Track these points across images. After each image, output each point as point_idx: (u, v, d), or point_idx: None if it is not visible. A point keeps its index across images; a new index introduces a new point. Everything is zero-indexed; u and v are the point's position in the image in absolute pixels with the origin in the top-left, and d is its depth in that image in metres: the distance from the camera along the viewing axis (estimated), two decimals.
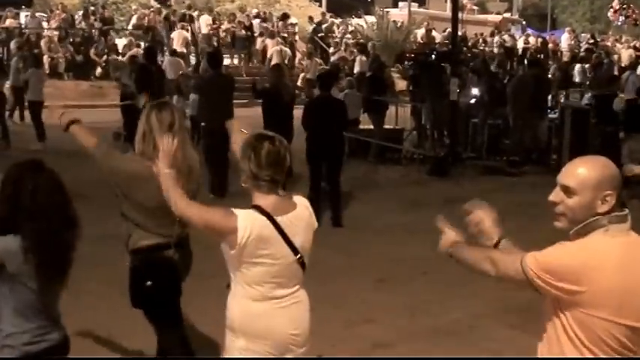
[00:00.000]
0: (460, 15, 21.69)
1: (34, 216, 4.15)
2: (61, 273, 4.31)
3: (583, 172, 3.38)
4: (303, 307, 4.44)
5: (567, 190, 3.39)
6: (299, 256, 4.28)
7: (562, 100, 18.76)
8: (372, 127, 18.08)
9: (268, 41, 31.74)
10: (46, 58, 27.01)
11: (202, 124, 13.49)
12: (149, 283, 5.36)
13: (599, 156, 3.52)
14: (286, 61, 29.85)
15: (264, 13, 36.04)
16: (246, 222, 4.11)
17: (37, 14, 32.09)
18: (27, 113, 20.16)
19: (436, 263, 10.17)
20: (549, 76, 23.10)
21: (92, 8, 33.19)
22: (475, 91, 18.16)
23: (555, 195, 3.44)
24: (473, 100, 18.09)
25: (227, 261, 4.25)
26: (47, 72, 26.28)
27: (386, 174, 16.08)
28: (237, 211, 4.17)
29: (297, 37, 33.73)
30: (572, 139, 15.77)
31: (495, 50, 34.92)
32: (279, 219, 4.21)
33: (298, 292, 4.39)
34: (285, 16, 35.78)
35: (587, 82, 22.87)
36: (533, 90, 16.80)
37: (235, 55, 32.09)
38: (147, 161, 5.15)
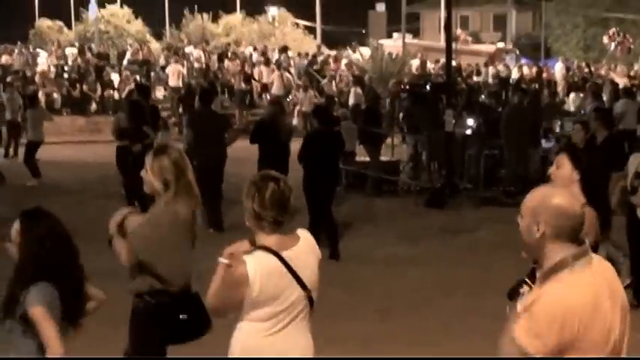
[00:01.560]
0: (454, 45, 21.79)
1: (59, 266, 4.50)
2: (81, 312, 4.67)
3: (527, 197, 3.66)
4: (308, 344, 4.45)
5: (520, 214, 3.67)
6: (306, 290, 4.31)
7: (557, 130, 18.76)
8: (368, 159, 18.08)
9: (263, 68, 31.87)
10: (41, 95, 27.06)
11: (193, 161, 13.42)
12: (184, 315, 5.50)
13: (554, 188, 3.84)
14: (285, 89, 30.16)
15: (265, 47, 36.28)
16: (256, 266, 4.17)
17: (34, 50, 32.28)
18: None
19: (436, 295, 10.20)
20: (543, 105, 23.10)
21: (88, 44, 33.35)
22: (470, 122, 18.18)
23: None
24: (468, 131, 18.10)
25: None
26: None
27: (383, 206, 16.06)
28: (244, 257, 4.22)
29: (292, 70, 33.85)
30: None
31: (490, 80, 35.01)
32: (285, 254, 4.25)
33: (305, 328, 4.41)
34: (284, 49, 36.02)
35: (582, 112, 22.86)
36: (526, 119, 16.83)
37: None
38: (170, 207, 5.40)
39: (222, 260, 4.30)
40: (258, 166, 12.48)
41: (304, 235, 4.46)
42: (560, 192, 3.69)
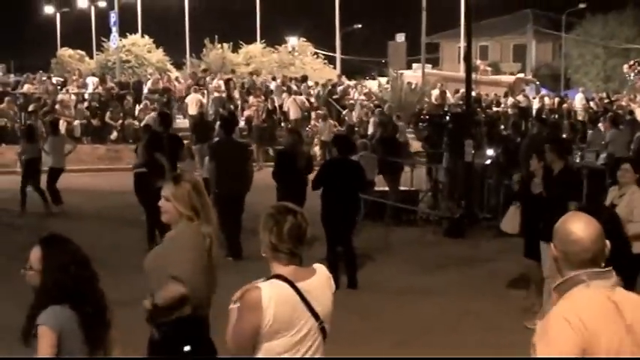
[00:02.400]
0: (474, 76, 21.80)
1: (81, 291, 4.51)
2: (104, 337, 4.62)
3: None
4: None
5: None
6: (320, 322, 4.32)
7: (577, 161, 18.69)
8: (387, 188, 18.06)
9: (285, 96, 32.07)
10: (62, 123, 27.26)
11: (215, 190, 13.43)
12: (187, 348, 5.40)
13: (579, 213, 3.80)
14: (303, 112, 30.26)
15: (285, 77, 36.46)
16: (271, 293, 4.19)
17: (55, 79, 32.53)
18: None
19: (453, 326, 10.14)
20: (564, 136, 23.05)
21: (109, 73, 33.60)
22: (490, 152, 18.14)
23: None
24: (488, 161, 18.06)
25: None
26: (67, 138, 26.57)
27: (402, 235, 16.01)
28: (259, 284, 4.25)
29: (312, 99, 33.96)
30: (588, 199, 15.70)
31: (509, 111, 34.98)
32: (299, 285, 4.27)
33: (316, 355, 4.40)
34: (304, 78, 36.20)
35: (603, 142, 22.77)
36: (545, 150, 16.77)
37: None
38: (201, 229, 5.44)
39: (234, 305, 4.32)
40: (277, 195, 12.49)
41: (320, 270, 4.49)
42: (578, 217, 3.69)
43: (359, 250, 12.41)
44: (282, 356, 4.25)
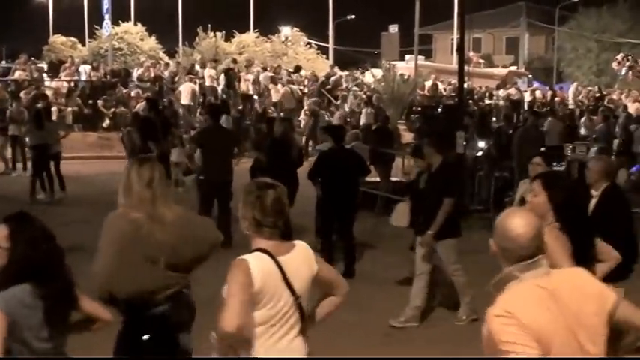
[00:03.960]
0: (466, 68, 21.81)
1: (49, 267, 4.44)
2: (67, 313, 4.57)
3: None
4: (298, 354, 4.44)
5: None
6: (296, 297, 4.35)
7: (568, 154, 18.72)
8: (378, 179, 18.06)
9: (271, 86, 32.03)
10: (54, 110, 27.20)
11: (200, 176, 13.39)
12: (146, 337, 5.37)
13: (518, 209, 4.08)
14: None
15: (279, 67, 36.41)
16: (256, 264, 4.25)
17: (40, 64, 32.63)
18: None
19: (444, 317, 10.15)
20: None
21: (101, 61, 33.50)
22: (481, 144, 18.18)
23: None
24: (479, 153, 18.09)
25: None
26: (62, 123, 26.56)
27: (392, 226, 16.00)
28: (244, 256, 4.30)
29: (305, 89, 33.95)
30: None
31: (502, 103, 35.03)
32: (280, 259, 4.33)
33: (294, 339, 4.41)
34: (297, 69, 36.19)
35: (594, 136, 22.84)
36: (537, 142, 16.80)
37: None
38: (130, 215, 5.37)
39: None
40: None
41: (300, 246, 4.52)
42: (517, 214, 3.76)
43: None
44: (257, 328, 4.26)
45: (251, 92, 31.81)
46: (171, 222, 5.41)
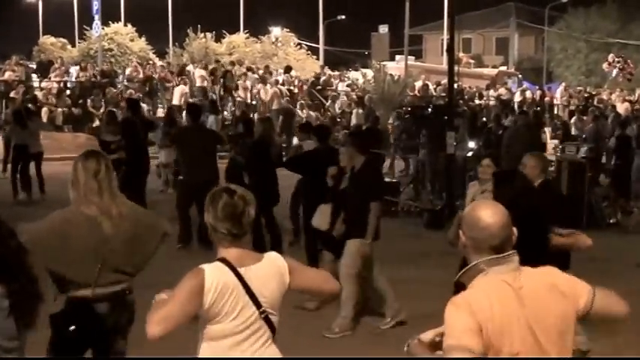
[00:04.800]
0: (456, 68, 21.85)
1: (16, 266, 4.33)
2: (32, 310, 4.44)
3: None
4: None
5: None
6: (261, 310, 4.19)
7: (558, 154, 18.80)
8: None
9: (261, 86, 32.05)
10: (44, 110, 27.19)
11: (180, 177, 13.27)
12: (73, 327, 5.32)
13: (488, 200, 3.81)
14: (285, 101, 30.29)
15: (267, 67, 36.40)
16: (213, 275, 4.11)
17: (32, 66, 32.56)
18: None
19: (434, 318, 10.15)
20: (546, 129, 23.23)
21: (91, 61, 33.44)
22: (471, 144, 18.22)
23: None
24: (469, 153, 18.15)
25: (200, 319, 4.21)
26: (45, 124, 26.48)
27: (382, 226, 15.98)
28: (203, 265, 4.17)
29: (295, 89, 33.97)
30: (569, 192, 15.80)
31: (491, 103, 35.12)
32: (242, 270, 4.17)
33: (265, 351, 4.27)
34: (288, 69, 36.19)
35: (584, 136, 22.93)
36: (527, 142, 16.84)
37: None
38: (77, 207, 5.35)
39: (162, 295, 4.22)
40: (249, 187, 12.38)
41: (270, 258, 4.35)
42: (486, 204, 3.79)
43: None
44: (224, 341, 4.15)
45: (248, 100, 31.79)
46: (119, 216, 5.36)
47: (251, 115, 28.60)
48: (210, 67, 34.58)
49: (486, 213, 3.66)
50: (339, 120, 29.95)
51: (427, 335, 3.84)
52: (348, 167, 9.41)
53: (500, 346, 3.48)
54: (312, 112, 30.63)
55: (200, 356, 4.24)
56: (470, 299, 3.54)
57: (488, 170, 8.66)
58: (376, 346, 8.67)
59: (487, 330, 3.47)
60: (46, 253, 5.19)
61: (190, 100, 29.39)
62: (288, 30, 51.33)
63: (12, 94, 27.16)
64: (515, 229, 3.73)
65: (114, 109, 21.82)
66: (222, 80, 31.82)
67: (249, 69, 35.11)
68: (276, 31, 51.30)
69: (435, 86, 36.96)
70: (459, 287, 3.77)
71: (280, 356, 4.33)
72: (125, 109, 16.25)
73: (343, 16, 58.04)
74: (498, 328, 3.48)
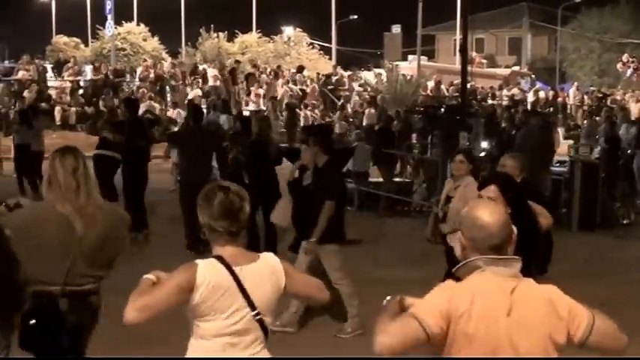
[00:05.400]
0: (469, 68, 21.82)
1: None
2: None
3: None
4: None
5: None
6: (255, 312, 4.11)
7: (571, 154, 18.72)
8: (381, 179, 18.07)
9: (272, 80, 32.13)
10: (58, 110, 27.27)
11: (178, 177, 13.20)
12: (33, 321, 5.23)
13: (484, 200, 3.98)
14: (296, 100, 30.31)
15: (278, 67, 36.40)
16: (206, 271, 4.04)
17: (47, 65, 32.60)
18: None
19: None
20: (559, 129, 23.15)
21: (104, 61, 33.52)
22: (484, 144, 18.17)
23: None
24: (482, 154, 18.09)
25: (187, 313, 4.13)
26: (59, 123, 26.56)
27: (393, 226, 16.02)
28: (197, 261, 4.11)
29: (308, 89, 33.96)
30: (582, 192, 15.76)
31: (504, 103, 35.05)
32: (237, 269, 4.10)
33: (257, 352, 4.17)
34: (300, 69, 36.17)
35: (597, 137, 22.83)
36: (539, 142, 16.79)
37: None
38: (52, 204, 5.29)
39: (149, 276, 4.13)
40: (247, 187, 12.21)
41: (266, 259, 4.27)
42: (485, 204, 3.80)
43: (351, 241, 12.35)
44: (216, 340, 4.08)
45: (261, 106, 31.80)
46: (92, 216, 5.30)
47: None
48: (228, 67, 34.51)
49: (485, 212, 3.63)
50: (351, 120, 29.92)
51: (408, 300, 3.77)
52: (311, 165, 9.25)
53: (467, 344, 3.46)
54: (307, 112, 30.58)
55: (189, 354, 4.17)
56: (455, 288, 3.53)
57: (461, 166, 8.54)
58: None
59: (456, 324, 3.45)
60: (18, 250, 5.02)
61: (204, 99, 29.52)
62: (300, 30, 51.33)
63: (25, 94, 27.25)
64: (515, 229, 3.70)
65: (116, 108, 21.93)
66: (244, 82, 31.80)
67: (254, 66, 35.05)
68: (288, 30, 51.30)
69: (448, 87, 36.91)
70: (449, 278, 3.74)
71: (270, 356, 4.26)
72: (124, 110, 16.08)
73: (356, 16, 58.02)
74: (472, 327, 3.44)
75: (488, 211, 3.64)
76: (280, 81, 32.85)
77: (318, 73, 37.40)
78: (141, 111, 24.19)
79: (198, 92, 30.26)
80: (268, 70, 35.61)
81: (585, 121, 29.18)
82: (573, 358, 3.60)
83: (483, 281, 3.54)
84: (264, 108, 30.35)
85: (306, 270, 8.22)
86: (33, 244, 5.18)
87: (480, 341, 3.46)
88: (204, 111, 26.39)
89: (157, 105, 28.36)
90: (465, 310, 3.45)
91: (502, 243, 3.59)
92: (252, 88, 31.88)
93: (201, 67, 34.19)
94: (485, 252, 3.58)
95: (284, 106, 29.88)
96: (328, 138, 9.91)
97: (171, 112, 28.76)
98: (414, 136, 23.03)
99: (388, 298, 3.85)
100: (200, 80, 31.93)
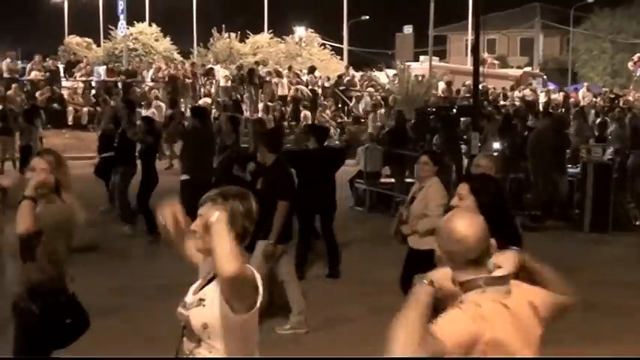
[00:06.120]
0: (481, 69, 21.77)
1: None
2: None
3: None
4: None
5: None
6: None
7: (584, 155, 18.67)
8: (392, 180, 18.06)
9: (277, 80, 32.12)
10: (70, 110, 27.34)
11: (182, 176, 13.20)
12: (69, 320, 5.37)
13: (462, 211, 3.86)
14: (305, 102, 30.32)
15: (289, 68, 36.39)
16: None
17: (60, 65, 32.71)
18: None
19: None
20: (572, 130, 23.02)
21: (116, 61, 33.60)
22: (496, 145, 18.13)
23: None
24: (494, 154, 18.05)
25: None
26: (71, 123, 26.65)
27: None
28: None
29: (319, 90, 33.95)
30: (595, 194, 15.72)
31: (516, 104, 34.96)
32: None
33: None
34: (312, 69, 36.15)
35: (609, 137, 22.75)
36: (552, 144, 16.75)
37: None
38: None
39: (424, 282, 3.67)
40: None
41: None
42: (462, 215, 3.61)
43: (354, 241, 12.31)
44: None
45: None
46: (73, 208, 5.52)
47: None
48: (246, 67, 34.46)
49: (462, 224, 3.51)
50: (362, 120, 29.91)
51: (448, 285, 3.61)
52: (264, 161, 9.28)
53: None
54: (307, 112, 30.56)
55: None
56: (476, 313, 3.42)
57: (425, 167, 8.44)
58: None
59: (475, 349, 3.40)
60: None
61: (218, 99, 29.56)
62: (312, 30, 51.36)
63: (37, 94, 27.31)
64: (493, 241, 3.60)
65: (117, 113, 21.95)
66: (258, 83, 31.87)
67: (278, 74, 35.06)
68: (300, 31, 51.31)
69: (459, 87, 36.84)
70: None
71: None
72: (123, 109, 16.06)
73: (367, 17, 57.99)
74: (490, 351, 3.43)
75: (464, 224, 3.51)
76: (285, 80, 32.80)
77: (328, 77, 37.33)
78: (149, 112, 24.33)
79: (208, 100, 30.24)
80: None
81: (597, 122, 29.00)
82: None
83: (488, 302, 3.48)
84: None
85: (265, 271, 8.17)
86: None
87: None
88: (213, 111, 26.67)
89: (163, 105, 28.43)
90: (489, 337, 3.41)
91: (480, 257, 3.50)
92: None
93: (208, 66, 34.24)
94: (461, 266, 3.49)
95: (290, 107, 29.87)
96: (274, 137, 9.90)
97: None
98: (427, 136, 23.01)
99: (416, 282, 3.60)
100: (214, 81, 31.97)
